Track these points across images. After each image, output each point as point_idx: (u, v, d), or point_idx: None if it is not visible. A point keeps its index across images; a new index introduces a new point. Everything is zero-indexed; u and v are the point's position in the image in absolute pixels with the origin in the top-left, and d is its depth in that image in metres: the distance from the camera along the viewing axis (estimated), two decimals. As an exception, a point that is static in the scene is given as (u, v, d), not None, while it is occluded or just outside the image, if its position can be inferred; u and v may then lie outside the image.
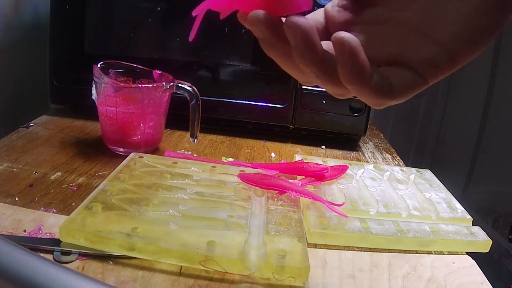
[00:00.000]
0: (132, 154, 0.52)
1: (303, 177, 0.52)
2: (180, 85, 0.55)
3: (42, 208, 0.42)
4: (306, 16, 0.29)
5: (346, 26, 0.29)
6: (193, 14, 0.28)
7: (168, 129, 0.68)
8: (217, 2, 0.27)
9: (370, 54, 0.24)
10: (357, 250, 0.42)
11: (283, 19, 0.25)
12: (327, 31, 0.30)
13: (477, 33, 0.24)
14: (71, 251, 0.35)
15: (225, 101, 0.67)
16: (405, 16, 0.26)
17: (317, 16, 0.30)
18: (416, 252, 0.43)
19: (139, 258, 0.36)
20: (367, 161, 0.67)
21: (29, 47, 0.75)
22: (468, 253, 0.44)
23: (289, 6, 0.24)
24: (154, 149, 0.60)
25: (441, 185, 0.57)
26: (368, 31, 0.27)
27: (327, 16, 0.30)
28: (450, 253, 0.44)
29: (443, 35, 0.24)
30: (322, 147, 0.70)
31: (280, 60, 0.27)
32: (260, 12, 0.25)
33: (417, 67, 0.25)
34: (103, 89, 0.53)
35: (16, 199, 0.44)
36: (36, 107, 0.76)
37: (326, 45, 0.27)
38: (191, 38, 0.28)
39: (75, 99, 0.70)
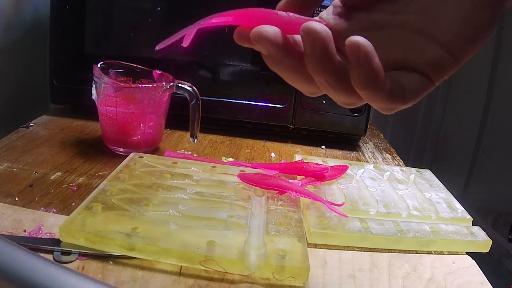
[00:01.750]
0: (132, 154, 0.52)
1: (303, 177, 0.52)
2: (180, 85, 0.55)
3: (42, 208, 0.42)
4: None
5: (343, 34, 0.28)
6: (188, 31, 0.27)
7: (168, 129, 0.68)
8: (219, 20, 0.26)
9: None
10: (357, 250, 0.42)
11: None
12: None
13: (477, 28, 0.24)
14: (71, 251, 0.35)
15: (225, 101, 0.67)
16: (403, 19, 0.26)
17: None
18: (416, 252, 0.43)
19: (139, 258, 0.36)
20: (367, 161, 0.67)
21: (29, 47, 0.75)
22: (468, 253, 0.44)
23: (297, 28, 0.24)
24: (154, 149, 0.60)
25: (441, 185, 0.57)
26: (369, 37, 0.27)
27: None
28: (450, 253, 0.44)
29: (444, 35, 0.24)
30: (322, 147, 0.70)
31: (286, 74, 0.26)
32: (266, 29, 0.24)
33: (423, 69, 0.25)
34: (103, 89, 0.53)
35: (16, 199, 0.44)
36: (36, 107, 0.76)
37: None
38: (185, 44, 0.28)
39: (75, 99, 0.70)
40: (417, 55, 0.25)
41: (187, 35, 0.28)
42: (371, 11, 0.27)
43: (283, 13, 0.26)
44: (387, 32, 0.26)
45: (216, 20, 0.26)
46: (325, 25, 0.24)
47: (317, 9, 0.30)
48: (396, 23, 0.26)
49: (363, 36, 0.25)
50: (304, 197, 0.45)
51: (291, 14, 0.25)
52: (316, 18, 0.30)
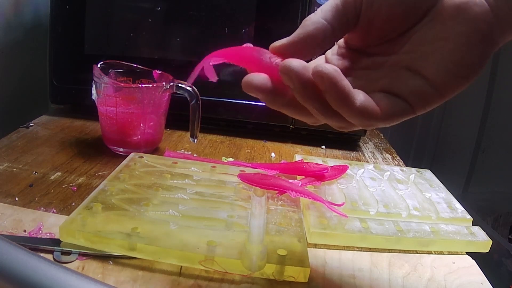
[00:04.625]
0: (132, 154, 0.52)
1: (303, 177, 0.52)
2: (180, 85, 0.55)
3: (42, 208, 0.42)
4: (309, 63, 0.31)
5: (345, 71, 0.30)
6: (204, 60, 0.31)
7: (168, 129, 0.68)
8: (230, 57, 0.30)
9: (364, 90, 0.26)
10: (357, 250, 0.42)
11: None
12: None
13: (464, 68, 0.25)
14: (71, 251, 0.35)
15: (225, 101, 0.67)
16: (397, 58, 0.27)
17: (319, 62, 0.32)
18: (416, 252, 0.43)
19: (139, 258, 0.36)
20: (367, 161, 0.67)
21: (29, 47, 0.75)
22: (468, 253, 0.44)
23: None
24: (154, 149, 0.60)
25: (441, 185, 0.57)
26: (366, 75, 0.29)
27: (327, 62, 0.32)
28: (450, 253, 0.44)
29: (431, 72, 0.26)
30: (322, 147, 0.70)
31: (285, 111, 0.29)
32: (253, 78, 0.27)
33: (406, 97, 0.26)
34: (103, 89, 0.53)
35: (16, 199, 0.44)
36: (36, 107, 0.77)
37: None
38: (189, 82, 0.31)
39: (75, 99, 0.70)
40: (402, 84, 0.27)
41: (192, 76, 0.32)
42: (370, 52, 0.29)
43: (273, 58, 0.28)
44: (383, 70, 0.28)
45: (213, 60, 0.31)
46: (328, 61, 0.28)
47: (313, 8, 0.31)
48: (391, 63, 0.28)
49: (359, 74, 0.28)
50: (304, 197, 0.45)
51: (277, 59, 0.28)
52: (322, 56, 0.32)
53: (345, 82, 0.24)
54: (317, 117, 0.28)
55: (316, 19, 0.27)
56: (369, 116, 0.26)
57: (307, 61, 0.30)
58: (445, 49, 0.25)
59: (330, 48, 0.32)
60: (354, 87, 0.27)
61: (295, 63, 0.25)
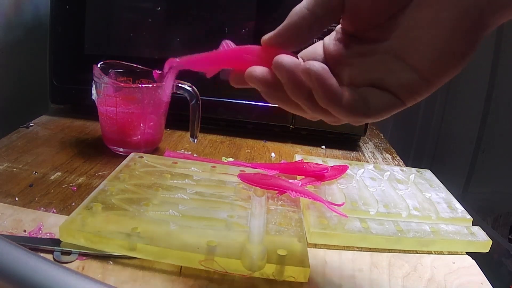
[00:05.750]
0: (132, 154, 0.52)
1: (303, 177, 0.52)
2: (180, 85, 0.55)
3: (42, 208, 0.42)
4: (308, 48, 0.32)
5: (340, 58, 0.30)
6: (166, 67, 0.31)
7: (168, 129, 0.68)
8: (220, 63, 0.32)
9: (356, 81, 0.26)
10: (357, 250, 0.42)
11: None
12: (325, 62, 0.32)
13: (453, 56, 0.24)
14: (71, 251, 0.35)
15: (225, 101, 0.67)
16: (389, 44, 0.27)
17: (316, 48, 0.32)
18: (416, 252, 0.43)
19: (139, 258, 0.36)
20: (367, 161, 0.67)
21: (29, 47, 0.75)
22: (468, 253, 0.44)
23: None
24: (154, 149, 0.60)
25: (441, 185, 0.57)
26: (359, 62, 0.29)
27: (324, 48, 0.32)
28: (450, 253, 0.44)
29: (419, 60, 0.25)
30: (322, 147, 0.70)
31: (280, 104, 0.30)
32: (254, 69, 0.28)
33: (395, 90, 0.26)
34: (103, 89, 0.53)
35: (16, 199, 0.44)
36: (36, 107, 0.76)
37: None
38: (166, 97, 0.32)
39: (75, 99, 0.70)
40: (391, 78, 0.26)
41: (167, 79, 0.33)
42: (364, 37, 0.29)
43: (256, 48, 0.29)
44: (375, 57, 0.28)
45: (195, 66, 0.33)
46: (325, 47, 0.29)
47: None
48: (383, 49, 0.27)
49: (352, 61, 0.28)
50: (304, 197, 0.45)
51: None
52: (321, 42, 0.32)
53: (332, 81, 0.25)
54: (308, 112, 0.28)
55: (299, 9, 0.27)
56: (356, 113, 0.26)
57: (302, 49, 0.31)
58: (435, 37, 0.24)
59: (318, 36, 0.31)
60: (348, 76, 0.27)
61: (287, 59, 0.26)
